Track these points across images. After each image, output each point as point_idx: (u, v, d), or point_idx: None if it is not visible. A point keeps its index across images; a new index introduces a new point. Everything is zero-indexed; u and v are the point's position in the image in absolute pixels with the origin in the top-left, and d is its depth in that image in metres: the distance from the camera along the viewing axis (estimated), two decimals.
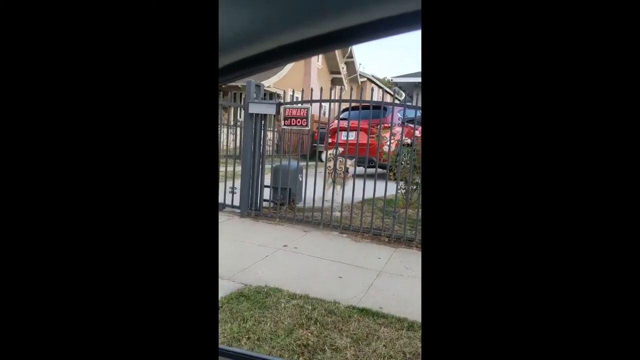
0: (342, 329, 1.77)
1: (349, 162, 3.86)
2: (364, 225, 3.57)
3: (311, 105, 3.78)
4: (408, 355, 1.58)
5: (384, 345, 1.64)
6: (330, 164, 3.95)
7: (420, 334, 1.74)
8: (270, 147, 4.64)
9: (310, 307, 1.96)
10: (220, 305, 1.93)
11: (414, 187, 3.91)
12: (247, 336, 1.68)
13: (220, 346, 0.87)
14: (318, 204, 3.82)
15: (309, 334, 1.71)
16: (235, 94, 4.34)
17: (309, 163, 4.00)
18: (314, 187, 3.74)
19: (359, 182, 3.61)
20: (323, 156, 4.16)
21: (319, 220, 3.70)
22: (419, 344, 1.65)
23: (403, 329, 1.78)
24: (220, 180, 3.73)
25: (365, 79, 17.93)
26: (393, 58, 68.18)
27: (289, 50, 0.52)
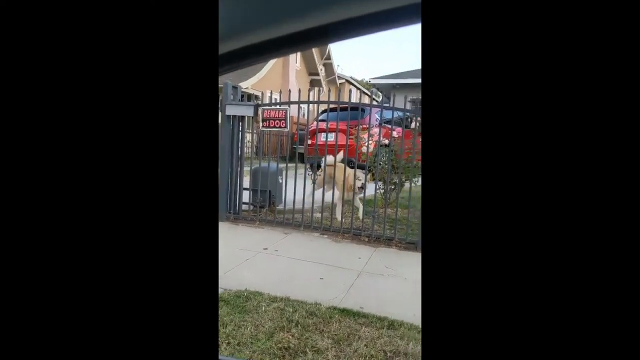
0: (323, 330, 1.77)
1: (361, 176, 3.65)
2: (344, 226, 3.58)
3: (289, 106, 3.77)
4: (389, 354, 1.60)
5: (365, 345, 1.65)
6: (330, 170, 3.75)
7: (400, 332, 1.76)
8: (250, 149, 4.60)
9: (291, 310, 1.95)
10: None
11: (392, 187, 3.96)
12: (227, 341, 1.65)
13: (220, 357, 0.85)
14: (299, 205, 3.81)
15: (290, 337, 1.70)
16: None
17: (289, 165, 3.99)
18: (294, 189, 3.73)
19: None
20: (321, 162, 3.91)
21: (300, 222, 3.69)
22: (400, 342, 1.67)
23: (384, 328, 1.80)
24: None
25: (343, 81, 18.04)
26: (372, 59, 68.98)
27: (289, 41, 0.51)
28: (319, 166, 4.24)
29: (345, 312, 1.96)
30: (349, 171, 3.71)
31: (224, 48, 0.51)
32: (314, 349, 1.62)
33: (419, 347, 1.63)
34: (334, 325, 1.81)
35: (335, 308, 2.00)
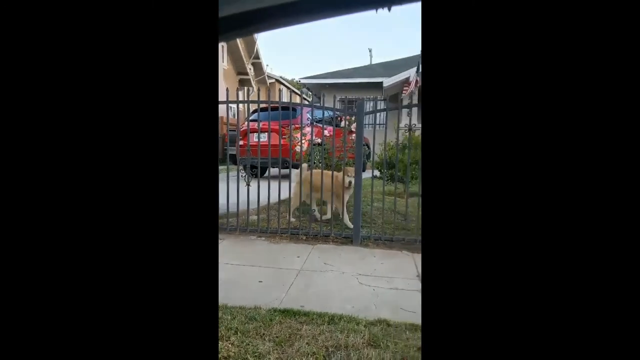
0: (264, 334, 1.74)
1: (350, 171, 3.43)
2: (281, 226, 3.56)
3: (218, 106, 3.63)
4: (330, 349, 1.62)
5: (306, 343, 1.66)
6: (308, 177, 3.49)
7: (340, 326, 1.80)
8: None
9: (229, 317, 1.88)
10: None
11: None
12: None
13: None
14: (233, 209, 3.69)
15: (230, 345, 1.64)
16: None
17: (220, 167, 3.84)
18: (227, 193, 3.61)
19: (274, 183, 3.60)
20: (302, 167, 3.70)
21: (235, 226, 3.58)
22: (340, 336, 1.71)
23: (324, 324, 1.83)
24: None
25: (273, 80, 17.94)
26: (301, 59, 69.55)
27: (287, 11, 0.48)
28: (252, 168, 4.13)
29: (286, 312, 1.94)
30: (335, 173, 3.53)
31: (222, 12, 0.49)
32: (255, 354, 1.59)
33: (359, 339, 1.69)
34: (275, 327, 1.79)
35: (275, 310, 1.97)
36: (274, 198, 3.73)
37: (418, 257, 2.92)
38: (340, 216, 3.59)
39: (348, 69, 13.63)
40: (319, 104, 3.85)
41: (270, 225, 3.57)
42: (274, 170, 5.64)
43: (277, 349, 1.62)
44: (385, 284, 2.36)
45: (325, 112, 3.92)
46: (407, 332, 1.75)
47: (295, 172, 3.67)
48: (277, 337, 1.71)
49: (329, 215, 3.62)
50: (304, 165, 3.62)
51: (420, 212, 3.53)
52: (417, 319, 1.89)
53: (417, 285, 2.37)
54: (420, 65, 9.46)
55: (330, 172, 3.50)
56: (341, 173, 3.50)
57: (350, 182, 3.42)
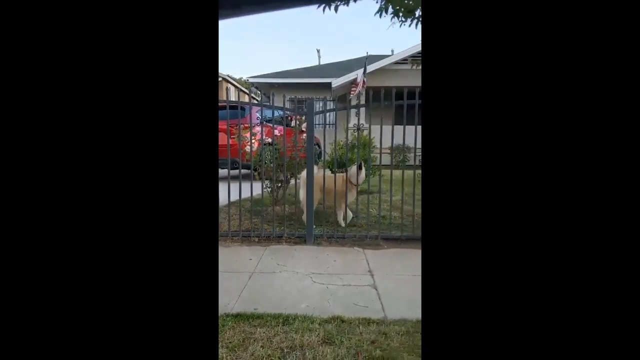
0: None
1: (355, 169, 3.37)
2: (232, 229, 3.47)
3: None
4: (285, 350, 1.61)
5: (261, 346, 1.63)
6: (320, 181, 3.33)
7: (295, 326, 1.80)
8: None
9: None
10: None
11: (279, 185, 4.02)
12: None
13: None
14: None
15: None
16: None
17: None
18: None
19: (223, 185, 3.49)
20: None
21: None
22: (295, 336, 1.71)
23: (279, 325, 1.81)
24: None
25: (220, 79, 17.42)
26: (248, 58, 68.35)
27: None
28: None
29: (239, 316, 1.90)
30: (340, 175, 3.50)
31: None
32: None
33: (314, 337, 1.70)
34: (228, 332, 1.74)
35: (228, 315, 1.92)
36: (223, 200, 3.62)
37: (369, 253, 3.01)
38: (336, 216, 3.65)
39: (297, 69, 13.65)
40: (268, 104, 3.80)
41: (220, 229, 3.46)
42: (223, 172, 5.48)
43: (230, 355, 1.58)
44: (338, 281, 2.40)
45: (276, 112, 3.89)
46: (361, 327, 1.80)
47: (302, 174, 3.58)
48: (230, 342, 1.67)
49: (340, 218, 3.62)
50: (315, 167, 3.54)
51: (369, 209, 3.64)
52: (369, 314, 1.94)
53: (369, 280, 2.44)
54: (366, 67, 9.74)
55: (334, 175, 3.52)
56: (345, 175, 3.52)
57: (360, 165, 3.43)
